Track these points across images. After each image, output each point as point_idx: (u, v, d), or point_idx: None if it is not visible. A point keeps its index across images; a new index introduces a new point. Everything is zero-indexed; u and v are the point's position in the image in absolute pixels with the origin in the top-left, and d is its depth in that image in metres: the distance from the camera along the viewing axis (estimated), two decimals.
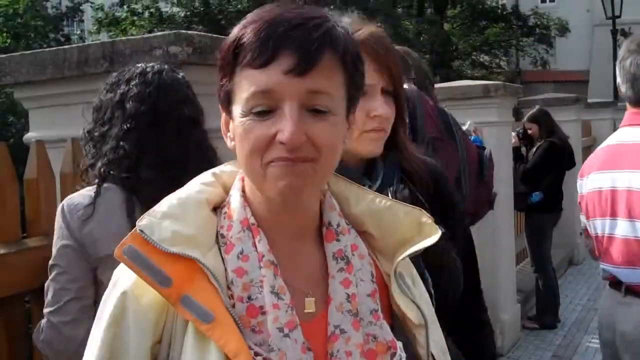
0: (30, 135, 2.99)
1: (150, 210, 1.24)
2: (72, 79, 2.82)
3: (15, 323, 2.40)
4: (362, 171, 2.02)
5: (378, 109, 1.94)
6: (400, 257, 1.36)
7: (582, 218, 3.36)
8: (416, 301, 1.38)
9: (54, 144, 2.73)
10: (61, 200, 2.60)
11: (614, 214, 3.04)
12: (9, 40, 21.11)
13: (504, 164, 6.55)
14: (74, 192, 2.36)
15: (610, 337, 3.12)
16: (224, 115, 1.30)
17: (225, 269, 1.23)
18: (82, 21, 30.86)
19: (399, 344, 1.32)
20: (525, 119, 7.93)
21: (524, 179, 7.40)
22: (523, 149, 7.78)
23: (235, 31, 1.23)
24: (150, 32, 23.43)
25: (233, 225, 1.28)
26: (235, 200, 1.31)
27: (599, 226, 3.13)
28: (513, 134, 7.55)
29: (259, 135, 1.18)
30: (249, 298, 1.22)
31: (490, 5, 29.74)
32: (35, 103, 3.05)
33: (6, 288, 2.34)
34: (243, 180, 1.34)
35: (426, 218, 1.39)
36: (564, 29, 30.91)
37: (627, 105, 3.15)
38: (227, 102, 1.25)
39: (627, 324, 3.00)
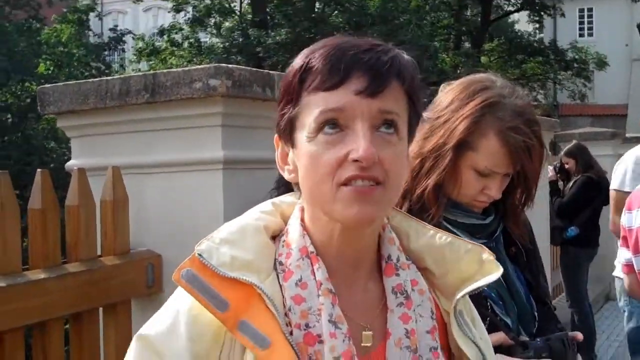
0: (72, 163, 3.06)
1: (209, 236, 1.26)
2: (114, 109, 2.88)
3: (53, 346, 2.44)
4: None
5: (493, 191, 2.08)
6: (461, 294, 1.35)
7: (624, 252, 3.29)
8: (476, 341, 1.37)
9: (94, 171, 2.79)
10: (101, 227, 2.67)
11: None
12: (52, 68, 21.47)
13: (541, 199, 6.52)
14: (114, 219, 2.41)
15: None
16: (280, 147, 1.31)
17: (283, 296, 1.24)
18: (124, 50, 31.32)
19: None
20: (562, 153, 7.89)
21: (560, 214, 7.35)
22: (560, 184, 7.74)
23: (300, 58, 1.25)
24: (189, 62, 23.72)
25: (292, 253, 1.29)
26: (294, 229, 1.32)
27: None
28: (550, 168, 7.52)
29: (331, 157, 1.19)
30: (307, 326, 1.22)
31: (527, 39, 29.65)
32: (77, 132, 3.12)
33: (46, 312, 2.39)
34: (302, 210, 1.34)
35: (487, 255, 1.39)
36: (602, 63, 30.72)
37: None
38: (289, 130, 1.26)
39: None
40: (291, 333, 1.20)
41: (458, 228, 2.07)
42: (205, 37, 26.70)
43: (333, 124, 1.19)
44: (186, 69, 2.77)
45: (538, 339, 2.02)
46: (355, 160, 1.17)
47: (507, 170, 2.07)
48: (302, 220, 1.33)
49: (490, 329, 2.00)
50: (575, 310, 7.46)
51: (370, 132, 1.19)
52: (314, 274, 1.26)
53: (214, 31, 25.43)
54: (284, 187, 1.45)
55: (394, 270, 1.34)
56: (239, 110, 2.82)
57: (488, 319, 2.02)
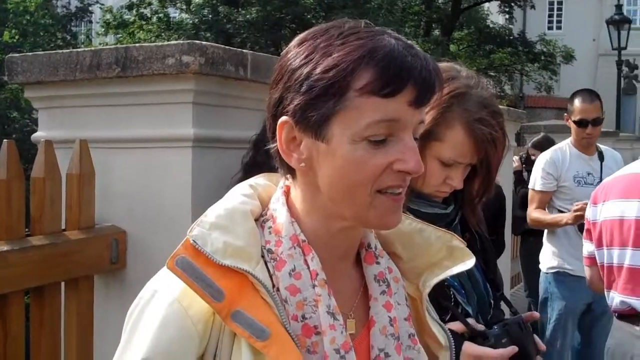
0: (39, 135, 3.01)
1: (198, 220, 1.22)
2: (84, 81, 2.84)
3: (13, 319, 2.40)
4: None
5: (455, 181, 2.10)
6: (435, 281, 1.37)
7: (587, 245, 3.32)
8: (441, 323, 1.40)
9: (61, 144, 2.75)
10: (66, 201, 2.63)
11: (639, 245, 3.01)
12: (17, 37, 21.15)
13: (505, 188, 6.57)
14: (79, 193, 2.38)
15: None
16: (287, 131, 1.24)
17: (274, 285, 1.21)
18: (91, 22, 30.95)
19: None
20: (529, 144, 7.96)
21: (523, 204, 7.42)
22: (525, 174, 7.80)
23: (345, 54, 1.17)
24: (157, 37, 23.50)
25: (282, 241, 1.26)
26: (281, 215, 1.29)
27: (615, 256, 3.08)
28: (515, 158, 7.58)
29: (377, 164, 1.17)
30: (304, 317, 1.21)
31: (497, 30, 29.80)
32: (45, 103, 3.07)
33: (7, 285, 2.35)
34: (286, 194, 1.32)
35: (458, 242, 1.40)
36: (569, 57, 30.99)
37: None
38: (320, 123, 1.19)
39: None
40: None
41: (421, 218, 2.08)
42: (174, 13, 26.46)
43: (382, 135, 1.17)
44: (159, 44, 2.74)
45: (495, 326, 2.04)
46: (401, 171, 1.18)
47: (470, 160, 2.09)
48: (289, 206, 1.31)
49: (450, 319, 2.03)
50: (533, 300, 7.54)
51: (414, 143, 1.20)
52: (306, 263, 1.24)
53: (184, 7, 25.18)
54: (256, 169, 1.43)
55: (374, 259, 1.35)
56: (211, 88, 2.79)
57: (450, 311, 2.05)
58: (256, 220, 1.30)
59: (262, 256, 1.25)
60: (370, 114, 1.16)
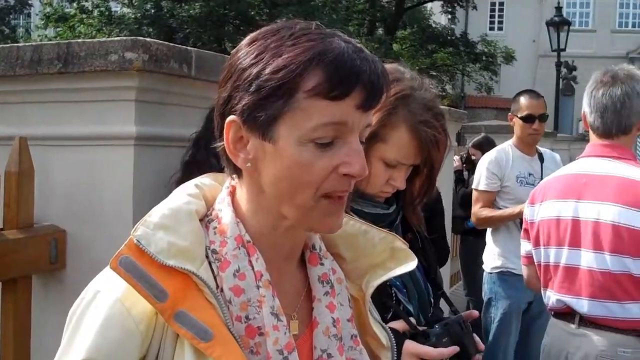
0: None
1: (142, 220, 1.21)
2: (24, 77, 2.78)
3: None
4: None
5: (398, 182, 2.12)
6: (378, 282, 1.38)
7: (525, 245, 3.37)
8: (383, 323, 1.41)
9: (0, 141, 2.70)
10: (4, 199, 2.57)
11: (575, 244, 3.03)
12: None
13: (445, 188, 6.64)
14: (18, 191, 2.33)
15: None
16: (234, 131, 1.22)
17: (218, 286, 1.20)
18: (30, 15, 30.43)
19: None
20: (470, 144, 8.05)
21: (463, 203, 7.50)
22: (465, 174, 7.89)
23: (295, 55, 1.16)
24: (98, 31, 23.20)
25: (227, 241, 1.25)
26: (226, 215, 1.28)
27: (552, 255, 3.13)
28: (456, 157, 7.66)
29: (323, 166, 1.17)
30: (247, 318, 1.20)
31: (439, 29, 30.13)
32: None
33: None
34: (232, 194, 1.31)
35: (400, 244, 1.41)
36: (510, 58, 31.50)
37: (593, 135, 3.16)
38: (267, 123, 1.18)
39: (582, 354, 3.02)
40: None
41: (363, 218, 2.10)
42: (116, 7, 26.16)
43: (328, 138, 1.17)
44: (102, 40, 2.70)
45: (436, 325, 2.06)
46: (346, 175, 1.18)
47: (414, 161, 2.11)
48: (234, 206, 1.30)
49: (393, 318, 2.04)
50: (472, 299, 7.64)
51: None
52: (251, 264, 1.23)
53: (126, 1, 24.93)
54: (196, 168, 1.41)
55: (318, 260, 1.35)
56: (154, 85, 2.76)
57: (392, 309, 2.06)
58: (201, 220, 1.29)
59: (207, 256, 1.24)
60: (318, 117, 1.16)
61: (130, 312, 1.16)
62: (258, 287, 1.22)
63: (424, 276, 2.27)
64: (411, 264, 1.40)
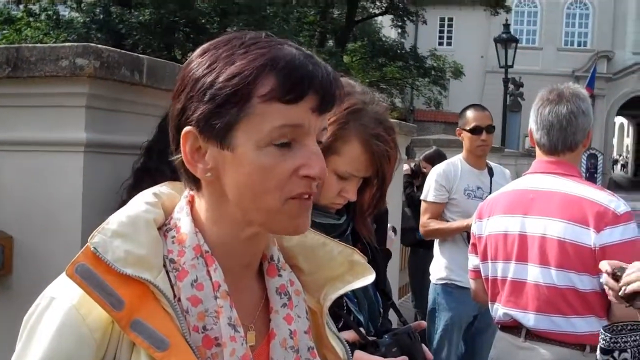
0: None
1: (100, 227, 1.19)
2: None
3: None
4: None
5: (350, 194, 2.14)
6: (335, 295, 1.38)
7: (473, 259, 3.41)
8: (340, 336, 1.42)
9: None
10: None
11: (522, 259, 3.07)
12: None
13: (395, 200, 6.69)
14: None
15: None
16: (191, 142, 1.22)
17: (175, 296, 1.20)
18: None
19: None
20: (421, 157, 8.13)
21: (410, 204, 7.57)
22: (415, 183, 7.97)
23: (248, 62, 1.18)
24: (46, 35, 22.87)
25: (185, 251, 1.24)
26: (185, 224, 1.27)
27: (499, 269, 3.15)
28: (406, 166, 7.75)
29: (284, 169, 1.18)
30: (204, 328, 1.19)
31: (389, 43, 30.35)
32: None
33: None
34: (191, 204, 1.30)
35: (358, 257, 1.42)
36: (458, 72, 31.87)
37: (539, 152, 3.20)
38: (224, 131, 1.18)
39: None
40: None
41: (315, 228, 2.12)
42: (64, 11, 25.84)
43: (285, 139, 1.18)
44: (53, 45, 2.68)
45: (386, 336, 2.09)
46: (306, 177, 1.19)
47: (365, 174, 2.14)
48: (193, 216, 1.29)
49: (343, 328, 2.06)
50: (420, 311, 7.70)
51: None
52: (209, 274, 1.23)
53: (74, 5, 24.64)
54: (147, 175, 1.41)
55: (276, 271, 1.35)
56: (105, 92, 2.75)
57: (342, 319, 2.08)
58: (159, 229, 1.27)
59: (164, 265, 1.23)
60: (273, 120, 1.17)
61: (86, 320, 1.15)
62: (216, 297, 1.21)
63: (373, 286, 2.30)
64: (369, 277, 1.41)
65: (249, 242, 1.27)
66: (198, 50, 1.26)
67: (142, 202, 1.29)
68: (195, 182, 1.27)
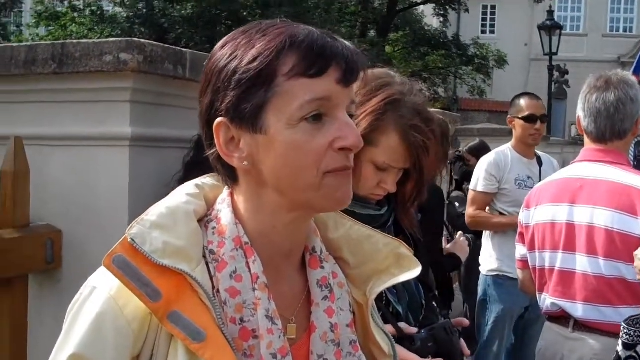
0: None
1: (139, 219, 1.20)
2: (18, 77, 2.79)
3: None
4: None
5: (389, 185, 2.13)
6: (381, 288, 1.36)
7: (520, 248, 3.38)
8: (386, 331, 1.39)
9: None
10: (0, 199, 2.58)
11: (570, 248, 3.03)
12: None
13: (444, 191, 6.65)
14: (14, 191, 2.34)
15: None
16: (224, 132, 1.22)
17: (214, 287, 1.20)
18: (21, 12, 30.35)
19: None
20: (465, 148, 8.06)
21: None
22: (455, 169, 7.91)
23: (267, 42, 1.18)
24: (90, 30, 23.13)
25: (225, 242, 1.24)
26: (226, 216, 1.26)
27: (547, 259, 3.12)
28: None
29: (319, 144, 1.17)
30: (242, 320, 1.19)
31: (432, 32, 30.15)
32: None
33: None
34: (232, 195, 1.30)
35: (405, 250, 1.40)
36: (502, 61, 31.50)
37: (587, 139, 3.16)
38: (254, 115, 1.18)
39: (577, 358, 3.00)
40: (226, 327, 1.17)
41: (356, 219, 2.12)
42: (108, 6, 26.10)
43: (317, 112, 1.17)
44: (97, 40, 2.71)
45: (422, 330, 2.08)
46: (342, 149, 1.18)
47: (404, 165, 2.13)
48: (234, 207, 1.28)
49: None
50: (469, 302, 7.63)
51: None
52: (248, 266, 1.22)
53: (118, 0, 24.86)
54: (197, 168, 1.41)
55: (318, 263, 1.33)
56: (149, 86, 2.77)
57: (380, 311, 2.08)
58: (200, 220, 1.27)
59: (204, 257, 1.23)
60: (301, 95, 1.16)
61: (123, 311, 1.16)
62: (254, 289, 1.21)
63: (415, 279, 2.29)
64: (415, 270, 1.39)
65: (289, 229, 1.26)
66: (217, 45, 1.26)
67: (183, 193, 1.29)
68: (232, 176, 1.27)
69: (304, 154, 1.17)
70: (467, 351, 2.15)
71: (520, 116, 5.05)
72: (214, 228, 1.27)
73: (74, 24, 24.55)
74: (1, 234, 2.56)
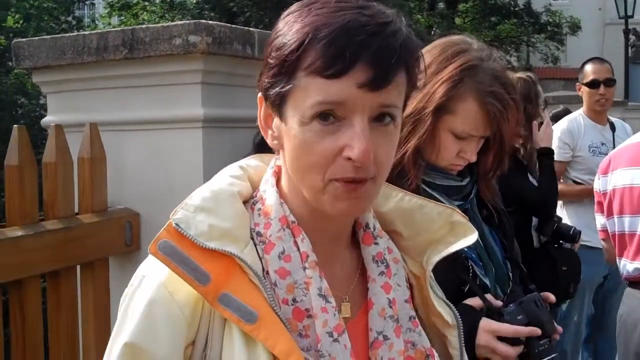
0: (49, 120, 3.01)
1: (182, 203, 1.19)
2: (91, 64, 2.84)
3: (30, 304, 2.41)
4: None
5: (469, 154, 2.08)
6: (438, 258, 1.32)
7: (599, 218, 3.30)
8: (447, 301, 1.36)
9: (71, 128, 2.75)
10: (78, 185, 2.64)
11: None
12: (21, 22, 21.11)
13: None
14: (91, 177, 2.38)
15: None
16: (264, 108, 1.21)
17: (263, 268, 1.18)
18: (94, 4, 30.91)
19: (436, 352, 1.31)
20: (550, 115, 7.91)
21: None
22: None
23: (296, 30, 1.12)
24: (161, 17, 23.43)
25: (272, 223, 1.21)
26: (270, 196, 1.24)
27: (627, 223, 3.06)
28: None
29: (325, 149, 1.11)
30: (294, 300, 1.17)
31: (502, 1, 29.62)
32: (53, 87, 3.07)
33: (23, 270, 2.37)
34: (276, 175, 1.27)
35: (459, 217, 1.35)
36: (575, 27, 30.76)
37: None
38: (278, 102, 1.15)
39: None
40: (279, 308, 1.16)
41: (436, 190, 2.08)
42: None
43: (329, 114, 1.10)
44: (165, 24, 2.73)
45: (511, 305, 2.03)
46: (349, 159, 1.10)
47: (483, 133, 2.07)
48: (278, 187, 1.26)
49: (469, 293, 2.02)
50: None
51: (369, 126, 1.11)
52: (296, 245, 1.20)
53: None
54: (266, 149, 1.40)
55: (372, 239, 1.30)
56: (219, 67, 2.79)
57: (467, 284, 2.05)
58: (246, 202, 1.26)
59: (252, 239, 1.21)
60: (314, 95, 1.10)
61: (174, 297, 1.15)
62: (304, 268, 1.19)
63: (501, 250, 2.24)
64: (471, 237, 1.34)
65: (325, 217, 1.21)
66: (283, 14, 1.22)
67: (227, 175, 1.28)
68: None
69: (310, 154, 1.13)
70: (560, 329, 2.09)
71: (584, 82, 4.96)
72: (259, 209, 1.25)
73: (145, 12, 24.88)
74: (81, 219, 2.62)
